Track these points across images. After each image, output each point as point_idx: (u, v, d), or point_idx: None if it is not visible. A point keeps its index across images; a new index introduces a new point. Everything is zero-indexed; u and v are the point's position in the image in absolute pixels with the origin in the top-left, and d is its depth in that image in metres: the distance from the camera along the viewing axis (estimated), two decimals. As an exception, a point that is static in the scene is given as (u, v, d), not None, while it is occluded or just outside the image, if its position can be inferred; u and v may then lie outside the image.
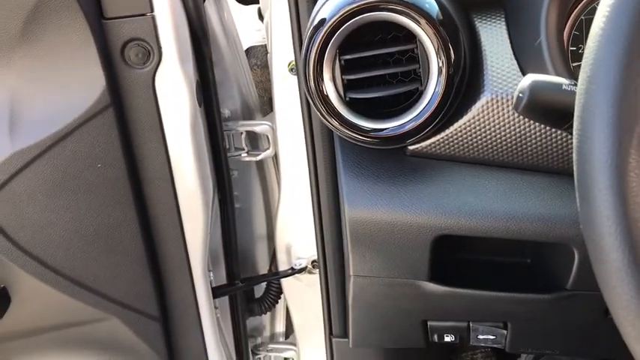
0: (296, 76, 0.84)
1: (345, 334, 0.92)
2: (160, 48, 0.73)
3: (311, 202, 0.85)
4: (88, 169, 0.75)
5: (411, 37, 0.63)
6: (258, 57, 1.13)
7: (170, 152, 0.79)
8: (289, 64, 0.85)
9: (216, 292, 0.92)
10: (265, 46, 1.08)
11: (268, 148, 0.95)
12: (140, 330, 0.85)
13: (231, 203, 0.93)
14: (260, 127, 0.94)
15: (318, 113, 0.66)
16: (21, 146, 0.72)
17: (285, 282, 1.01)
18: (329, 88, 0.64)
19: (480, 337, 0.78)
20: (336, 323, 0.91)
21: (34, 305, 0.80)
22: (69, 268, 0.78)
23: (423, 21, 0.60)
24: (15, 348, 0.86)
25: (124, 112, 0.76)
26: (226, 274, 0.97)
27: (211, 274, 0.93)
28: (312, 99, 0.65)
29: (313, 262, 0.97)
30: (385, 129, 0.64)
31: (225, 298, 0.99)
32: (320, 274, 0.89)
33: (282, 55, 0.84)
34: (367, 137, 0.66)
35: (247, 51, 1.16)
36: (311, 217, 0.87)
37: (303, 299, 1.01)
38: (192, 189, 0.82)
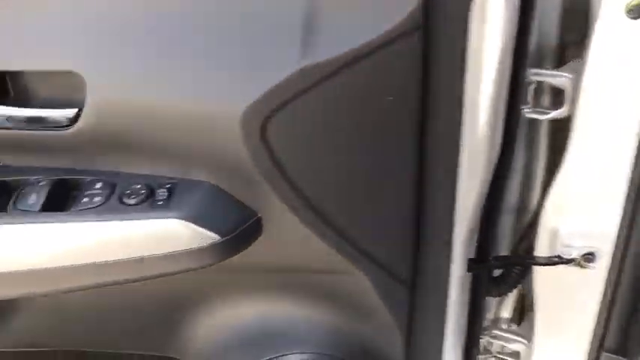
0: (636, 20, 0.64)
1: (619, 351, 0.74)
2: None
3: (615, 185, 0.66)
4: (376, 100, 0.63)
5: None
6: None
7: (466, 94, 0.65)
8: (628, 4, 0.65)
9: (471, 266, 0.78)
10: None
11: (560, 107, 0.77)
12: (385, 292, 0.74)
13: (508, 167, 0.77)
14: (558, 79, 0.75)
15: None
16: (310, 62, 0.62)
17: (540, 269, 0.85)
18: None
19: None
20: (610, 335, 0.74)
21: (284, 243, 0.71)
22: (331, 212, 0.68)
23: None
24: (256, 282, 0.79)
25: (431, 37, 0.62)
26: (477, 247, 0.83)
27: (467, 245, 0.79)
28: None
29: (586, 255, 0.79)
30: None
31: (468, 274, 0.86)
32: (608, 274, 0.72)
33: None
34: None
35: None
36: (598, 202, 0.69)
37: (558, 294, 0.84)
38: (479, 144, 0.68)
